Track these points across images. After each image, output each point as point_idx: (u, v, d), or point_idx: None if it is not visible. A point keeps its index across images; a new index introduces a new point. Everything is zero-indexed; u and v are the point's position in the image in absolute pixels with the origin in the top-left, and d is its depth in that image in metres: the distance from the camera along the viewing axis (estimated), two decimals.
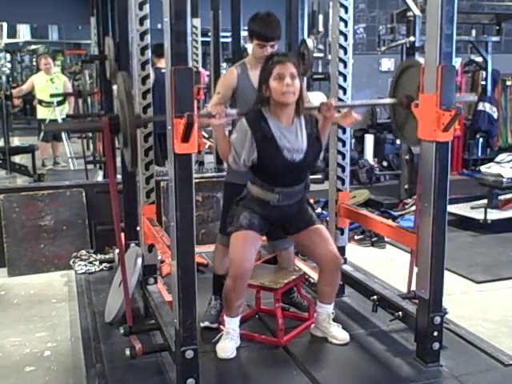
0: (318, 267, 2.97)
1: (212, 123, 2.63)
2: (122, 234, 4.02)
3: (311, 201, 5.06)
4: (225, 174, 3.42)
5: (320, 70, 6.90)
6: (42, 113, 8.01)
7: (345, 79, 3.37)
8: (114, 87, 5.40)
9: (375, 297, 3.12)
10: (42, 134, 7.86)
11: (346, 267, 3.47)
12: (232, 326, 2.86)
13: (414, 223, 3.19)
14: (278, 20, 3.04)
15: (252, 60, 3.10)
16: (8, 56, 13.04)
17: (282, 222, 2.93)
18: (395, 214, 5.84)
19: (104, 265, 4.33)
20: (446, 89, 2.51)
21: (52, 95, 7.63)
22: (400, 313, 2.93)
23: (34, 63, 12.97)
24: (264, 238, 3.01)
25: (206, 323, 3.09)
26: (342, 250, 3.50)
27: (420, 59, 2.69)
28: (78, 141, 7.43)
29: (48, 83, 7.81)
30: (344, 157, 3.44)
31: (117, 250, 3.97)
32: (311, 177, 3.06)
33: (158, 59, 5.28)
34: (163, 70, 3.43)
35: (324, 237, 2.92)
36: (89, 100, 9.10)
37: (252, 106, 2.81)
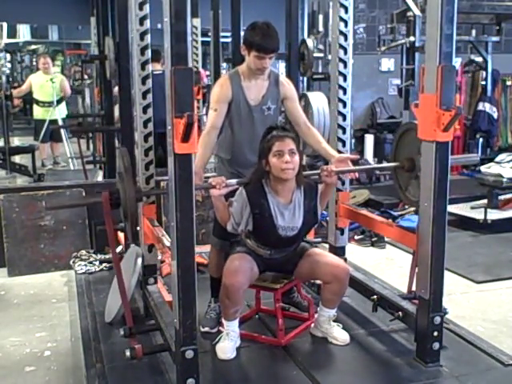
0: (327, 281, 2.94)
1: (212, 194, 2.71)
2: (122, 235, 4.04)
3: None
4: None
5: (320, 70, 6.88)
6: (38, 113, 8.00)
7: (345, 79, 3.37)
8: (115, 89, 5.41)
9: (375, 297, 3.12)
10: (41, 136, 7.86)
11: None
12: (231, 327, 2.87)
13: (415, 223, 3.18)
14: (277, 31, 2.96)
15: (246, 71, 3.02)
16: (8, 56, 13.03)
17: (277, 269, 3.02)
18: (395, 213, 5.84)
19: (104, 265, 4.32)
20: (446, 89, 2.51)
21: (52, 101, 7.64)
22: (400, 313, 2.92)
23: (34, 63, 12.97)
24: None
25: (207, 329, 3.08)
26: (342, 250, 3.51)
27: (417, 122, 2.73)
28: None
29: (48, 83, 7.80)
30: None
31: (117, 250, 3.96)
32: (311, 177, 3.06)
33: (152, 63, 5.29)
34: (156, 72, 3.47)
35: (319, 254, 2.98)
36: (88, 100, 9.14)
37: (251, 174, 2.87)
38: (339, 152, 3.41)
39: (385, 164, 3.87)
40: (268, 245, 2.89)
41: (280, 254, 2.93)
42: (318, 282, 3.30)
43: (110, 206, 2.75)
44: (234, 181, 2.84)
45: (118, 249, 4.02)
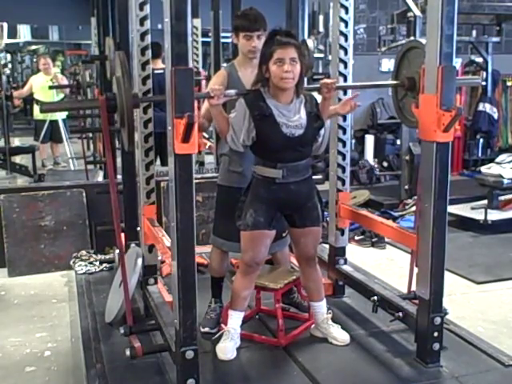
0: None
1: (210, 103, 2.64)
2: (123, 235, 4.04)
3: None
4: None
5: (320, 71, 6.89)
6: (39, 113, 7.99)
7: (345, 80, 3.37)
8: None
9: (375, 297, 3.12)
10: (41, 136, 7.87)
11: (346, 268, 3.47)
12: (234, 323, 2.85)
13: (414, 224, 3.18)
14: (261, 13, 3.02)
15: (241, 59, 3.07)
16: (8, 56, 13.04)
17: (290, 208, 2.86)
18: (395, 214, 5.85)
19: (104, 265, 4.32)
20: (447, 89, 2.51)
21: (51, 87, 7.57)
22: (400, 313, 2.92)
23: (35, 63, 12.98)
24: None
25: (207, 329, 3.07)
26: (342, 250, 3.51)
27: (422, 40, 2.67)
28: (78, 141, 7.43)
29: (49, 83, 7.80)
30: (344, 157, 3.44)
31: (117, 251, 3.96)
32: (312, 85, 3.03)
33: (152, 60, 5.28)
34: (157, 71, 3.45)
35: (316, 239, 2.96)
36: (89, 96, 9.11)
37: (250, 86, 2.81)
38: (339, 152, 3.42)
39: (385, 82, 3.77)
40: (277, 155, 2.74)
41: (294, 176, 2.77)
42: None
43: (107, 110, 2.70)
44: (232, 91, 2.77)
45: (117, 251, 4.02)
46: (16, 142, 9.04)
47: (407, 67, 3.03)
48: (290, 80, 2.67)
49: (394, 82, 3.12)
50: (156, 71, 3.37)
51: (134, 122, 2.57)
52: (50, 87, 7.50)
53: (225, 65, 7.44)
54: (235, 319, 2.86)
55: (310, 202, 2.87)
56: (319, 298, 3.00)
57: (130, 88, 2.59)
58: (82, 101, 4.59)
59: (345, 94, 3.37)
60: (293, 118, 2.74)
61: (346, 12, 3.32)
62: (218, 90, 2.61)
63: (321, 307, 2.99)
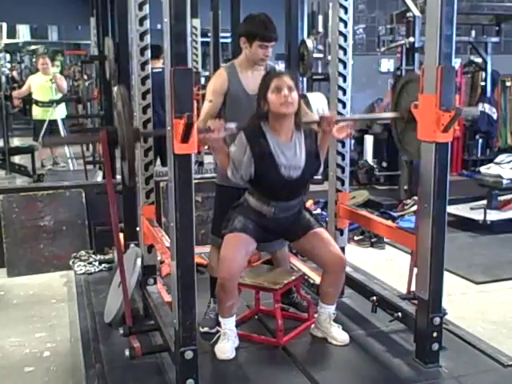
0: (323, 269, 2.96)
1: (211, 138, 2.62)
2: (122, 235, 4.04)
3: (310, 201, 5.10)
4: None
5: (320, 71, 6.88)
6: (37, 113, 7.99)
7: (344, 80, 3.37)
8: (114, 88, 5.41)
9: (375, 297, 3.12)
10: (40, 136, 7.86)
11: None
12: (228, 326, 2.87)
13: (415, 224, 3.18)
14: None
15: (244, 62, 3.06)
16: (8, 56, 13.03)
17: (279, 233, 2.95)
18: (395, 214, 5.84)
19: (103, 265, 4.33)
20: (446, 89, 2.51)
21: (51, 101, 7.63)
22: (399, 313, 2.93)
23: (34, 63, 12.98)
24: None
25: (206, 329, 3.08)
26: (341, 250, 3.50)
27: (419, 73, 2.72)
28: None
29: (48, 83, 7.80)
30: (343, 158, 3.44)
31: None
32: (312, 120, 3.02)
33: (152, 60, 5.28)
34: (155, 70, 3.45)
35: (325, 239, 2.93)
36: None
37: (249, 118, 2.81)
38: (338, 153, 3.42)
39: (384, 114, 3.81)
40: (271, 193, 2.79)
41: (284, 213, 2.84)
42: (317, 282, 3.29)
43: (108, 144, 2.71)
44: (232, 125, 2.77)
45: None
46: (15, 142, 9.04)
47: (406, 100, 3.04)
48: (289, 104, 2.69)
49: (394, 115, 3.14)
50: (154, 70, 3.36)
51: (134, 156, 2.60)
52: (50, 101, 7.54)
53: (224, 65, 7.46)
54: (228, 324, 2.88)
55: (297, 220, 2.92)
56: (332, 302, 3.00)
57: (131, 122, 2.62)
58: (83, 135, 4.67)
59: (344, 94, 3.37)
60: (292, 157, 2.77)
61: (346, 12, 3.32)
62: (219, 123, 2.63)
63: (329, 309, 2.99)
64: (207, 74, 8.20)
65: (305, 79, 6.02)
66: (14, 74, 13.27)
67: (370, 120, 6.28)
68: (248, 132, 2.76)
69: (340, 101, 3.38)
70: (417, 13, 6.00)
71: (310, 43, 4.85)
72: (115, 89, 2.79)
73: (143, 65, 3.21)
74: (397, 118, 3.11)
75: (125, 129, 2.58)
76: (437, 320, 2.69)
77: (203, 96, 3.10)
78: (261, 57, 2.99)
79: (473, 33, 7.00)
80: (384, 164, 7.48)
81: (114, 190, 2.82)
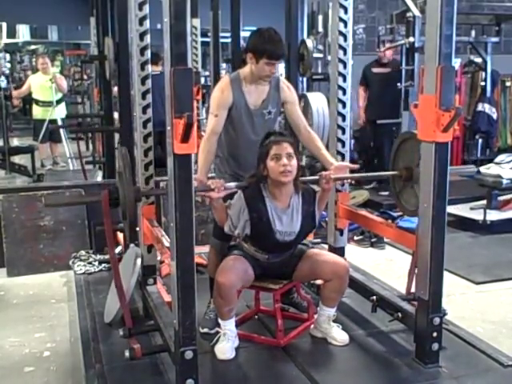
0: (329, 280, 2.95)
1: (211, 197, 2.70)
2: (121, 235, 4.04)
3: None
4: None
5: (320, 71, 6.87)
6: (37, 113, 8.00)
7: (344, 80, 3.37)
8: (115, 89, 5.41)
9: (374, 297, 3.12)
10: (40, 136, 7.86)
11: None
12: (228, 327, 2.87)
13: (416, 224, 3.19)
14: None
15: (249, 76, 3.03)
16: (7, 56, 13.03)
17: (275, 272, 3.00)
18: (395, 214, 5.83)
19: (103, 265, 4.32)
20: (446, 89, 2.51)
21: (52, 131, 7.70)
22: (399, 313, 2.92)
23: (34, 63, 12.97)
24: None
25: (206, 329, 3.08)
26: (341, 250, 3.50)
27: (415, 131, 2.77)
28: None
29: (48, 83, 7.80)
30: (343, 157, 3.44)
31: (116, 250, 3.95)
32: (311, 177, 3.06)
33: (151, 64, 5.29)
34: (154, 73, 3.46)
35: (319, 253, 3.00)
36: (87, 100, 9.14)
37: (249, 177, 2.88)
38: (338, 153, 3.42)
39: (383, 172, 3.90)
40: (265, 249, 2.90)
41: (277, 259, 2.94)
42: (318, 282, 3.29)
43: (109, 205, 2.75)
44: (232, 184, 2.85)
45: (117, 249, 4.02)
46: (15, 141, 9.04)
47: (404, 158, 3.08)
48: (288, 173, 2.74)
49: (392, 173, 3.17)
50: (153, 73, 3.37)
51: (136, 216, 2.64)
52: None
53: (224, 65, 7.46)
54: (228, 325, 2.88)
55: (292, 254, 2.99)
56: (334, 304, 3.01)
57: (132, 182, 2.64)
58: (85, 195, 4.71)
59: (344, 94, 3.37)
60: (289, 223, 2.84)
61: (346, 12, 3.32)
62: (219, 183, 2.69)
63: (329, 312, 3.00)
64: (207, 73, 8.20)
65: (305, 79, 6.02)
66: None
67: (367, 179, 6.37)
68: (247, 194, 2.83)
69: (340, 101, 3.38)
70: (417, 13, 6.00)
71: (309, 43, 4.85)
72: (117, 150, 2.85)
73: (143, 65, 3.22)
74: (395, 176, 3.15)
75: (126, 189, 2.63)
76: (437, 320, 2.69)
77: (203, 96, 3.12)
78: (267, 73, 2.97)
79: (473, 33, 7.01)
80: None
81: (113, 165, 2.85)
